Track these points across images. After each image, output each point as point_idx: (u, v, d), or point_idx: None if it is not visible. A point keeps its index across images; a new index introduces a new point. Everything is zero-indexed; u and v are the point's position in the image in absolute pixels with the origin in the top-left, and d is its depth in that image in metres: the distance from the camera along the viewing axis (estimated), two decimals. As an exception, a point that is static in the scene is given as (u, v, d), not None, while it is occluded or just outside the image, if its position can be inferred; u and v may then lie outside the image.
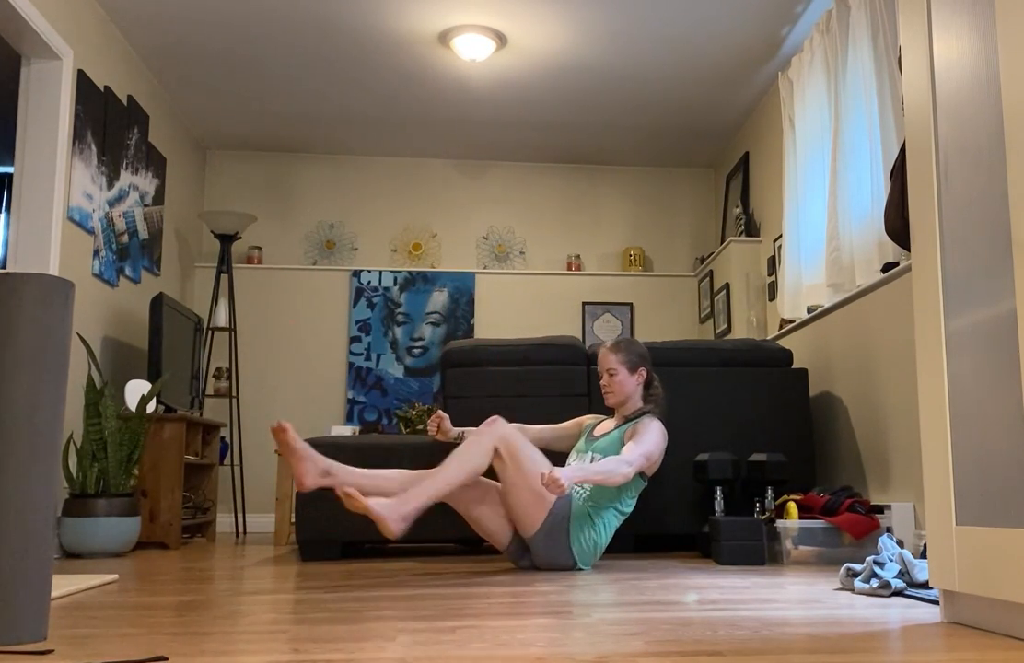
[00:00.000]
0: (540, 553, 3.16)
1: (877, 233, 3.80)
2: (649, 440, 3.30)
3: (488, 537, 3.25)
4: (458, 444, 3.35)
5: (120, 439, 4.17)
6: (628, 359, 3.48)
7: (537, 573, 3.08)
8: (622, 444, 3.34)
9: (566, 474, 2.96)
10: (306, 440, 3.86)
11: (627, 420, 3.46)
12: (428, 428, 3.41)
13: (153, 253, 5.46)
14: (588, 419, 3.66)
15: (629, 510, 3.35)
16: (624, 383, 3.47)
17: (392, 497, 2.91)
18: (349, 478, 3.02)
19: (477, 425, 3.46)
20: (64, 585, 2.56)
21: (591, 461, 3.36)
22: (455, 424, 3.84)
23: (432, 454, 3.86)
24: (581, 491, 3.29)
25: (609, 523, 3.28)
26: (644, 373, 3.51)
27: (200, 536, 5.25)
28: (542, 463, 3.13)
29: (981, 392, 1.69)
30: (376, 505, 2.80)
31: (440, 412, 3.51)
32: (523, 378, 4.00)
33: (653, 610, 2.09)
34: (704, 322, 6.38)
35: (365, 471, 3.10)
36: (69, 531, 3.98)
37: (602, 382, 3.51)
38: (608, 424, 3.54)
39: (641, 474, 3.34)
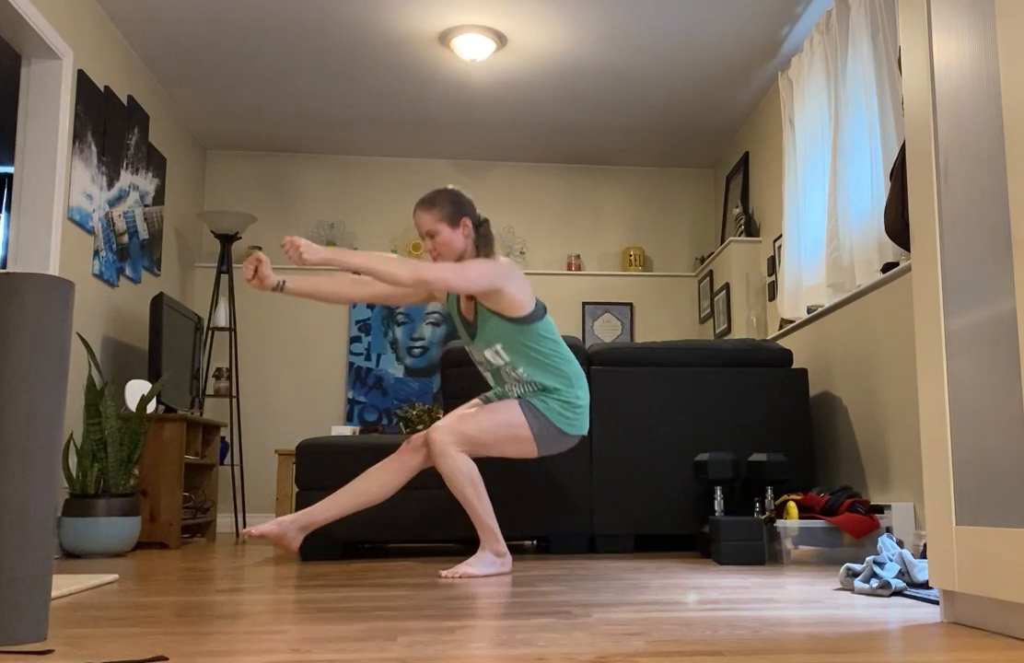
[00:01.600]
0: (552, 452, 3.22)
1: (877, 233, 3.80)
2: (471, 264, 2.99)
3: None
4: (279, 289, 3.07)
5: (120, 439, 4.17)
6: (447, 213, 3.08)
7: (537, 573, 3.07)
8: (488, 311, 3.10)
9: (312, 247, 2.79)
10: (306, 440, 3.87)
11: None
12: (244, 270, 3.02)
13: (153, 253, 5.46)
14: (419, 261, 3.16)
15: (567, 360, 3.18)
16: (451, 241, 3.09)
17: (369, 501, 3.14)
18: (320, 515, 3.15)
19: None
20: (64, 585, 2.56)
21: (496, 355, 3.16)
22: None
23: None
24: (525, 388, 3.18)
25: (563, 372, 3.15)
26: (468, 222, 3.11)
27: (200, 536, 5.25)
28: (486, 422, 3.08)
29: (981, 392, 1.69)
30: (270, 528, 3.06)
31: (258, 253, 3.02)
32: (523, 378, 4.00)
33: (653, 610, 2.09)
34: (704, 322, 6.38)
35: (334, 496, 3.16)
36: (69, 531, 3.98)
37: (428, 251, 3.13)
38: (466, 300, 3.21)
39: (527, 321, 3.09)
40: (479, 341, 3.19)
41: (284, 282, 3.05)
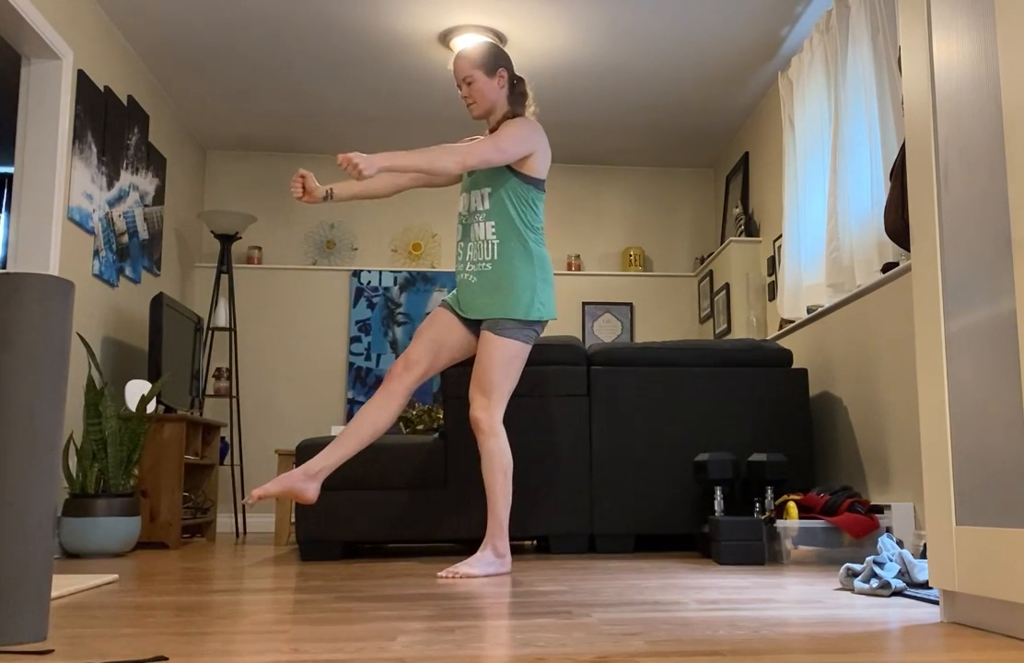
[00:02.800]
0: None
1: (877, 233, 3.81)
2: (503, 134, 3.08)
3: None
4: (328, 198, 3.20)
5: (120, 439, 4.17)
6: (484, 62, 3.18)
7: (537, 573, 3.08)
8: (509, 166, 3.17)
9: (372, 158, 2.83)
10: (306, 440, 3.87)
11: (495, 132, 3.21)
12: (292, 190, 3.14)
13: (153, 253, 5.46)
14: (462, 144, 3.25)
15: (541, 230, 3.22)
16: (485, 89, 3.18)
17: (369, 437, 3.11)
18: (320, 462, 3.08)
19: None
20: (64, 585, 2.56)
21: (481, 201, 3.21)
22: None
23: (428, 455, 3.87)
24: (478, 267, 3.19)
25: (530, 250, 3.17)
26: (504, 74, 3.21)
27: (200, 536, 5.25)
28: (499, 373, 3.12)
29: (981, 392, 1.69)
30: (268, 486, 2.97)
31: (303, 171, 3.15)
32: (523, 378, 4.00)
33: (653, 610, 2.09)
34: (704, 322, 6.38)
35: (333, 443, 3.12)
36: (69, 531, 3.98)
37: (463, 95, 3.22)
38: (480, 138, 3.26)
39: (527, 180, 3.16)
40: (472, 178, 3.26)
41: (332, 190, 3.18)
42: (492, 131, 3.25)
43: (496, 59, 3.21)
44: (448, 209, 6.67)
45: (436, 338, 3.23)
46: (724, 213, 6.42)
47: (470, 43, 3.30)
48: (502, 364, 3.14)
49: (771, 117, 5.53)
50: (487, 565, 3.02)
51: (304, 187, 3.14)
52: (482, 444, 3.13)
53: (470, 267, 3.23)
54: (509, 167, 3.17)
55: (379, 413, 3.13)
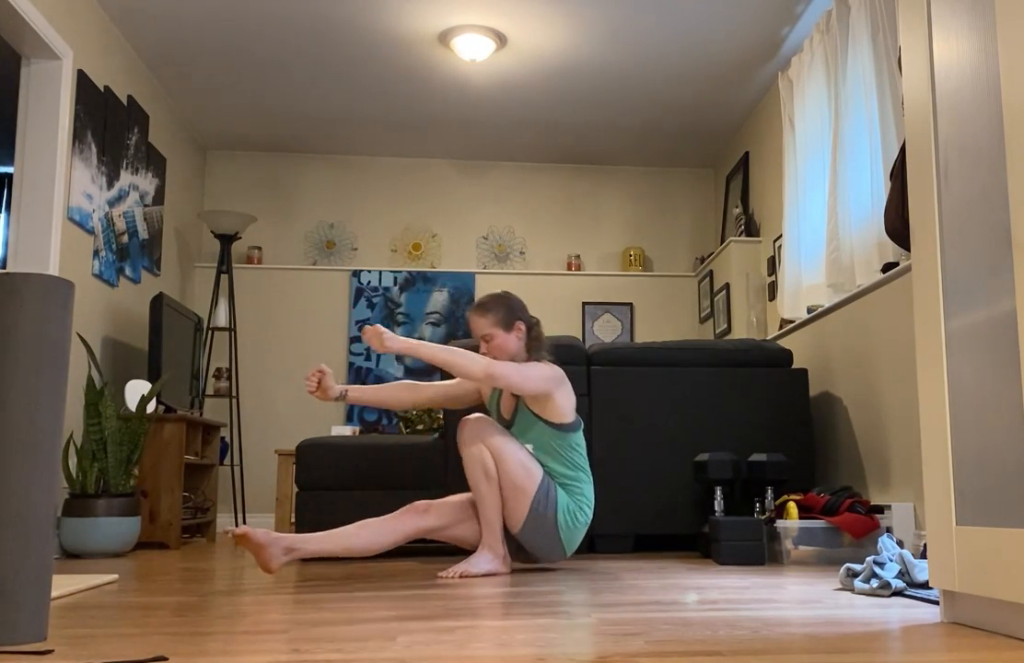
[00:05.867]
0: (531, 544, 3.14)
1: (877, 233, 3.80)
2: (531, 365, 3.12)
3: (463, 544, 3.22)
4: (341, 402, 3.23)
5: (120, 439, 4.17)
6: (501, 318, 3.21)
7: (537, 574, 3.08)
8: (532, 413, 3.19)
9: (393, 337, 2.88)
10: (305, 440, 3.87)
11: None
12: (306, 385, 3.16)
13: (153, 253, 5.46)
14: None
15: (588, 474, 3.24)
16: (505, 344, 3.20)
17: (357, 550, 2.97)
18: (311, 545, 2.93)
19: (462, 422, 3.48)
20: (64, 585, 2.56)
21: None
22: None
23: (428, 456, 3.87)
24: (553, 470, 3.22)
25: (587, 494, 3.19)
26: (522, 326, 3.24)
27: (200, 536, 5.25)
28: (510, 447, 3.08)
29: (981, 392, 1.69)
30: (257, 533, 2.80)
31: (323, 367, 3.17)
32: (523, 378, 4.00)
33: (653, 610, 2.09)
34: (704, 322, 6.38)
35: (328, 533, 2.99)
36: (69, 531, 3.98)
37: (482, 351, 3.26)
38: (508, 400, 3.32)
39: (564, 428, 3.17)
40: (512, 432, 3.29)
41: (346, 392, 3.20)
42: None
43: (511, 312, 3.23)
44: (448, 209, 6.67)
45: (463, 505, 3.20)
46: (724, 213, 6.42)
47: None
48: (518, 455, 3.10)
49: (771, 117, 5.53)
50: (486, 563, 3.03)
51: (319, 383, 3.15)
52: (462, 451, 3.12)
53: None
54: (537, 417, 3.18)
55: (385, 535, 3.02)
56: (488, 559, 3.04)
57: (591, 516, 3.21)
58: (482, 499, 3.07)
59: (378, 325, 2.93)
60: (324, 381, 3.15)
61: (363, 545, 3.01)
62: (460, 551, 4.19)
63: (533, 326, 3.29)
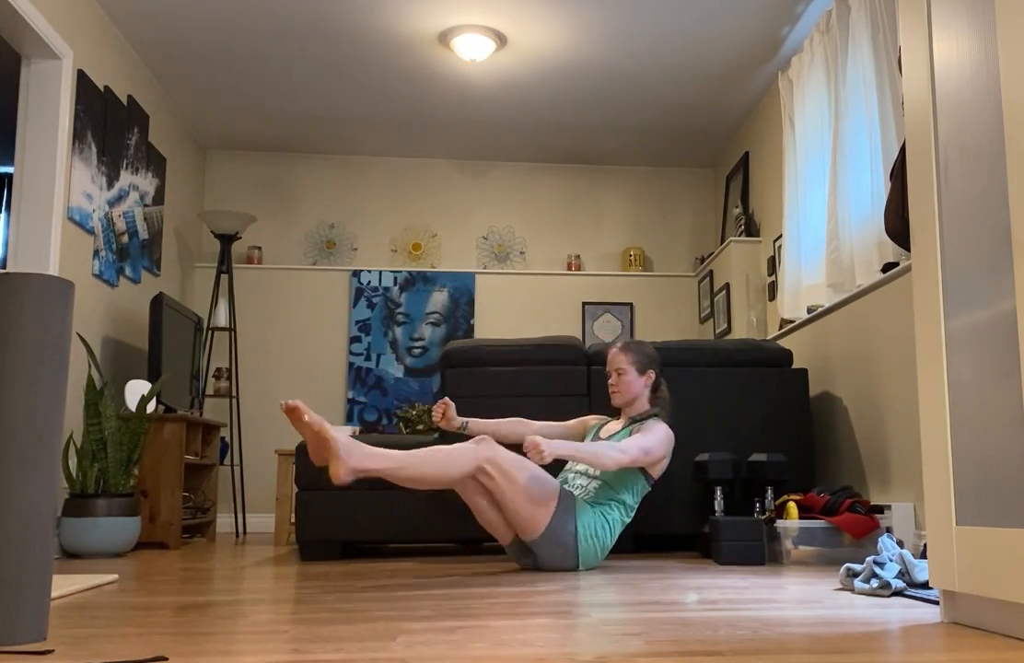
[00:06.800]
0: (543, 555, 3.15)
1: (877, 233, 3.80)
2: (652, 437, 3.29)
3: (489, 528, 3.22)
4: (463, 434, 3.49)
5: (120, 439, 4.17)
6: (638, 360, 3.49)
7: (537, 573, 3.08)
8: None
9: (551, 445, 2.97)
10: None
11: (633, 421, 3.45)
12: (433, 415, 3.37)
13: (153, 253, 5.46)
14: (593, 419, 3.65)
15: (633, 511, 3.35)
16: (632, 384, 3.48)
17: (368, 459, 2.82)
18: (368, 463, 2.82)
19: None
20: (64, 585, 2.56)
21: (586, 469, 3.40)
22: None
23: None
24: (585, 490, 3.30)
25: (615, 523, 3.28)
26: (652, 376, 3.52)
27: (200, 536, 5.25)
28: (532, 466, 3.12)
29: (981, 392, 1.69)
30: (337, 442, 2.73)
31: (446, 399, 3.39)
32: (523, 378, 4.00)
33: (653, 610, 2.09)
34: (704, 322, 6.38)
35: (381, 453, 2.88)
36: (69, 531, 3.98)
37: (610, 382, 3.51)
38: (615, 425, 3.53)
39: (646, 476, 3.34)
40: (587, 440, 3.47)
41: (467, 424, 3.47)
42: (623, 411, 3.52)
43: (649, 361, 3.52)
44: (448, 209, 6.67)
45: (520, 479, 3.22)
46: (724, 213, 6.42)
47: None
48: (531, 470, 3.15)
49: (771, 117, 5.53)
50: (344, 441, 2.79)
51: (443, 413, 3.38)
52: (467, 451, 3.05)
53: (577, 480, 3.39)
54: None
55: (452, 461, 2.98)
56: (349, 451, 2.79)
57: (611, 546, 3.29)
58: (429, 465, 2.94)
59: (535, 437, 2.95)
60: (448, 412, 3.39)
61: (435, 475, 2.95)
62: (462, 552, 4.19)
63: (661, 384, 3.55)
